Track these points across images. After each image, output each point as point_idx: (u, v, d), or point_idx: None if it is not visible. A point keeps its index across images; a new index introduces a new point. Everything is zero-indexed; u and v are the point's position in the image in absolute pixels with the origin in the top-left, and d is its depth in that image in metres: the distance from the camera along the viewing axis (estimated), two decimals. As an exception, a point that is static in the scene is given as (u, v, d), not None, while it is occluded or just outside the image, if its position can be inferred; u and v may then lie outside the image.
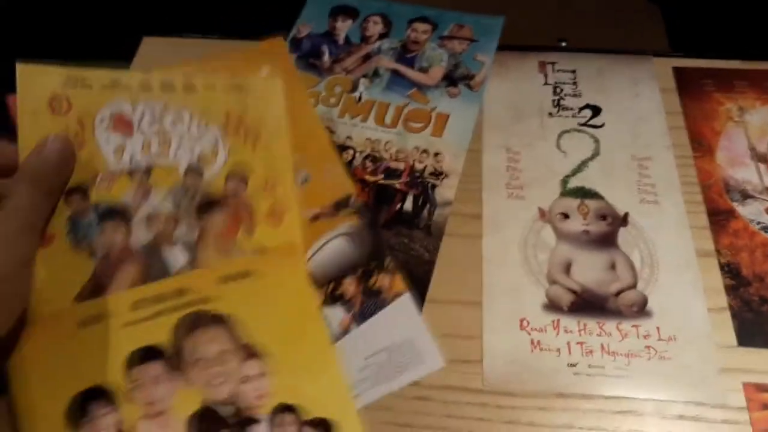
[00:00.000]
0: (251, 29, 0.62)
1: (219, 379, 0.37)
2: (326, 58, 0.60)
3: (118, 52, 0.61)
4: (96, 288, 0.38)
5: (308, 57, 0.60)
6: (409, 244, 0.48)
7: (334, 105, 0.56)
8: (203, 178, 0.42)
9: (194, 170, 0.42)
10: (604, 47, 0.60)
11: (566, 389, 0.41)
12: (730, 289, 0.44)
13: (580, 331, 0.43)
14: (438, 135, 0.54)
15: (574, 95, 0.56)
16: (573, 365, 0.42)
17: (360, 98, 0.57)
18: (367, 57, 0.60)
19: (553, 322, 0.43)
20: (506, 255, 0.46)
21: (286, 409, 0.37)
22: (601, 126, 0.53)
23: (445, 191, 0.50)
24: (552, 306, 0.44)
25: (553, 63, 0.58)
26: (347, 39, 0.62)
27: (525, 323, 0.43)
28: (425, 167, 0.52)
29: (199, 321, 0.38)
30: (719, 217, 0.48)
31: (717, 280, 0.45)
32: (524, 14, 0.68)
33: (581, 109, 0.55)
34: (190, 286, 0.39)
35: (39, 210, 0.36)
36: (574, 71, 0.57)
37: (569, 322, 0.43)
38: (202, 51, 0.60)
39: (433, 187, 0.51)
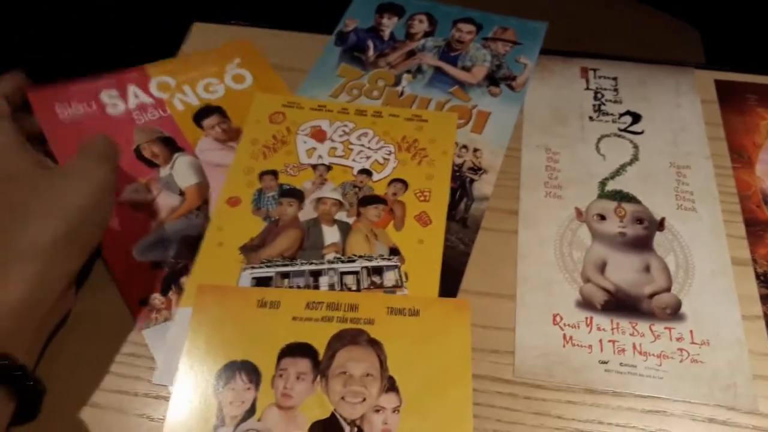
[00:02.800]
0: (299, 21, 0.64)
1: (356, 398, 0.39)
2: (371, 52, 0.61)
3: (169, 37, 0.63)
4: (260, 242, 0.47)
5: (353, 50, 0.61)
6: (445, 235, 0.48)
7: (377, 98, 0.57)
8: (371, 179, 0.51)
9: (365, 172, 0.51)
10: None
11: (597, 385, 0.41)
12: (765, 298, 0.44)
13: (612, 329, 0.43)
14: (478, 132, 0.54)
15: (615, 101, 0.56)
16: (604, 362, 0.42)
17: (402, 93, 0.58)
18: (411, 54, 0.61)
19: (586, 319, 0.44)
20: (541, 251, 0.47)
21: None
22: (640, 133, 0.54)
23: (483, 186, 0.51)
24: (585, 304, 0.44)
25: (595, 69, 0.59)
26: (392, 35, 0.63)
27: (558, 318, 0.44)
28: (464, 162, 0.53)
29: (358, 338, 0.42)
30: (757, 228, 0.48)
31: (752, 288, 0.45)
32: (560, 33, 0.68)
33: (621, 115, 0.55)
34: (362, 304, 0.43)
35: (110, 178, 0.43)
36: (615, 78, 0.58)
37: (602, 320, 0.43)
38: (250, 39, 0.62)
39: (471, 181, 0.51)
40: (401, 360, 0.41)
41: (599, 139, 0.53)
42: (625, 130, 0.54)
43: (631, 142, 0.53)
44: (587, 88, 0.57)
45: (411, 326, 0.42)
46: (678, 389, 0.41)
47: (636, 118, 0.55)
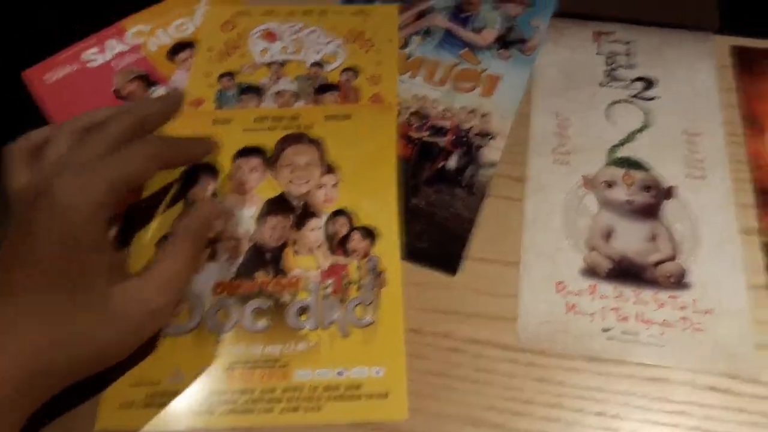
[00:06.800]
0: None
1: (301, 180, 0.48)
2: (379, 13, 0.60)
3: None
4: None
5: (361, 11, 0.60)
6: (450, 201, 0.48)
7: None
8: (323, 70, 0.55)
9: (317, 64, 0.56)
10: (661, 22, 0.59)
11: (599, 353, 0.41)
12: (771, 269, 0.44)
13: (616, 297, 0.43)
14: (487, 96, 0.54)
15: (628, 67, 0.55)
16: (607, 330, 0.42)
17: (410, 56, 0.57)
18: (421, 15, 0.60)
19: (590, 287, 0.44)
20: (548, 218, 0.47)
21: (342, 213, 0.46)
22: (652, 99, 0.53)
23: (491, 152, 0.51)
24: (590, 271, 0.44)
25: (608, 33, 0.57)
26: (401, -5, 0.61)
27: (561, 286, 0.44)
28: (472, 127, 0.52)
29: (300, 138, 0.50)
30: (766, 197, 0.47)
31: (758, 258, 0.45)
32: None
33: (634, 80, 0.54)
34: (302, 115, 0.52)
35: (192, 266, 0.40)
36: (629, 43, 0.57)
37: (606, 288, 0.43)
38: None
39: (479, 147, 0.51)
40: (338, 150, 0.49)
41: (610, 105, 0.52)
42: (637, 96, 0.53)
43: (643, 108, 0.52)
44: (599, 53, 0.56)
45: (345, 126, 0.51)
46: (680, 357, 0.41)
47: (649, 83, 0.54)
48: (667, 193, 0.47)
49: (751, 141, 0.50)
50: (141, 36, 0.59)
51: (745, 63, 0.55)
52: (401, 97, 0.54)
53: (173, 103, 0.43)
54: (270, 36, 0.58)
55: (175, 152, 0.41)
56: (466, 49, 0.57)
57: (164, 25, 0.60)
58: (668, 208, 0.47)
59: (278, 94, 0.54)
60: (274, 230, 0.46)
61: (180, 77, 0.56)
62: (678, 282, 0.43)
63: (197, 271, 0.43)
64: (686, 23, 0.59)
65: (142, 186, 0.47)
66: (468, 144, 0.51)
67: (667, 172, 0.48)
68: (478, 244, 0.46)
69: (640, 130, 0.51)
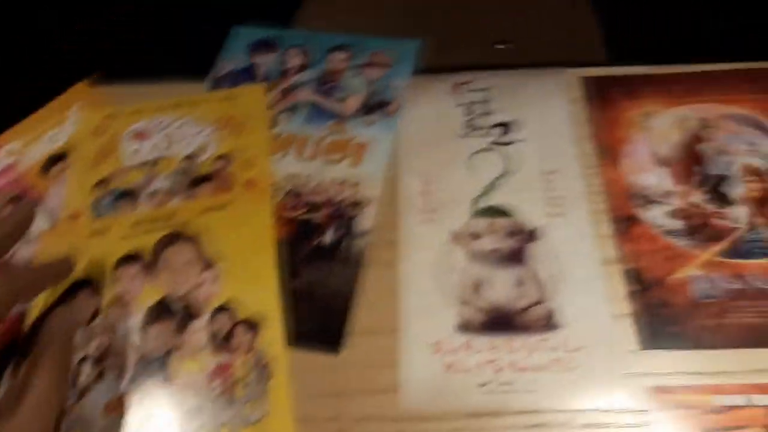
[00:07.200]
0: (174, 70, 0.64)
1: (180, 281, 0.48)
2: (246, 96, 0.61)
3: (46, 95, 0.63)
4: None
5: (229, 96, 0.62)
6: (329, 277, 0.49)
7: (254, 143, 0.58)
8: (196, 162, 0.56)
9: (190, 157, 0.56)
10: (528, 57, 0.62)
11: (478, 408, 0.43)
12: (632, 295, 0.46)
13: (490, 349, 0.45)
14: (356, 165, 0.55)
15: (487, 114, 0.57)
16: (484, 384, 0.43)
17: (280, 133, 0.58)
18: (287, 91, 0.61)
19: (466, 342, 0.45)
20: (420, 279, 0.48)
21: (224, 308, 0.47)
22: (511, 143, 0.55)
23: (364, 220, 0.52)
24: (464, 327, 0.46)
25: (467, 83, 0.60)
26: (267, 74, 0.63)
27: (439, 346, 0.45)
28: (344, 198, 0.53)
29: (175, 238, 0.51)
30: (623, 224, 0.49)
31: (621, 286, 0.47)
32: (464, 16, 0.69)
33: (492, 127, 0.56)
34: (177, 212, 0.52)
35: (61, 383, 0.40)
36: (486, 90, 0.59)
37: (480, 341, 0.45)
38: (121, 96, 0.62)
39: (352, 217, 0.52)
40: (216, 243, 0.50)
41: (472, 156, 0.55)
42: (496, 142, 0.55)
43: (503, 154, 0.54)
44: (459, 104, 0.58)
45: (221, 217, 0.52)
46: (555, 400, 0.43)
47: (507, 128, 0.56)
48: (531, 235, 0.49)
49: (605, 170, 0.53)
50: (12, 155, 0.60)
51: (595, 93, 0.57)
52: (275, 178, 0.55)
53: (25, 219, 0.44)
54: (140, 135, 0.59)
55: (28, 283, 0.42)
56: (334, 120, 0.59)
57: (36, 138, 0.60)
58: (533, 250, 0.49)
59: (152, 194, 0.55)
60: (157, 339, 0.46)
61: (56, 192, 0.56)
62: (548, 324, 0.45)
63: (68, 387, 0.43)
64: (572, 60, 0.61)
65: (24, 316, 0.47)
66: (342, 216, 0.52)
67: (530, 215, 0.51)
68: (360, 316, 0.48)
69: (501, 177, 0.53)
